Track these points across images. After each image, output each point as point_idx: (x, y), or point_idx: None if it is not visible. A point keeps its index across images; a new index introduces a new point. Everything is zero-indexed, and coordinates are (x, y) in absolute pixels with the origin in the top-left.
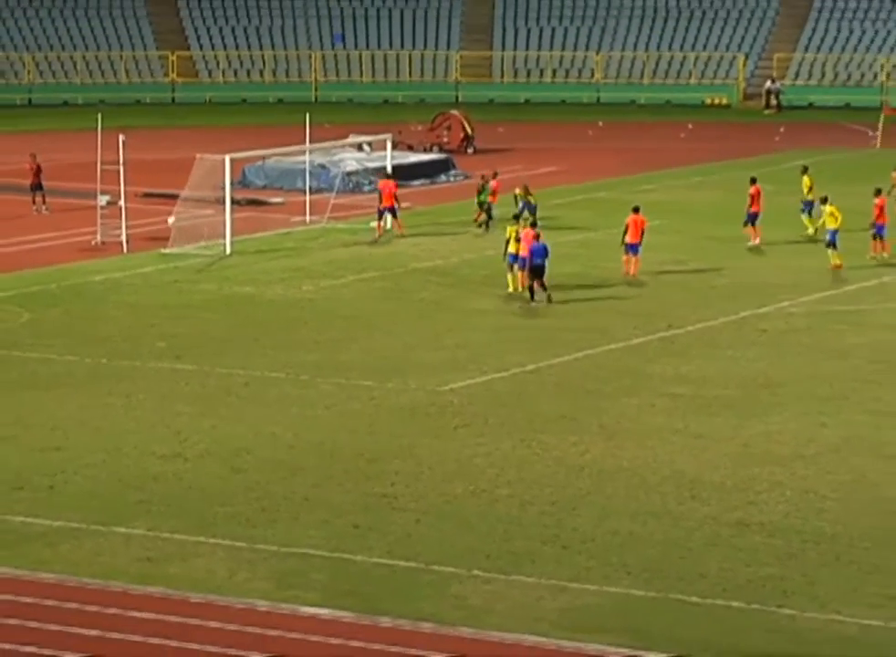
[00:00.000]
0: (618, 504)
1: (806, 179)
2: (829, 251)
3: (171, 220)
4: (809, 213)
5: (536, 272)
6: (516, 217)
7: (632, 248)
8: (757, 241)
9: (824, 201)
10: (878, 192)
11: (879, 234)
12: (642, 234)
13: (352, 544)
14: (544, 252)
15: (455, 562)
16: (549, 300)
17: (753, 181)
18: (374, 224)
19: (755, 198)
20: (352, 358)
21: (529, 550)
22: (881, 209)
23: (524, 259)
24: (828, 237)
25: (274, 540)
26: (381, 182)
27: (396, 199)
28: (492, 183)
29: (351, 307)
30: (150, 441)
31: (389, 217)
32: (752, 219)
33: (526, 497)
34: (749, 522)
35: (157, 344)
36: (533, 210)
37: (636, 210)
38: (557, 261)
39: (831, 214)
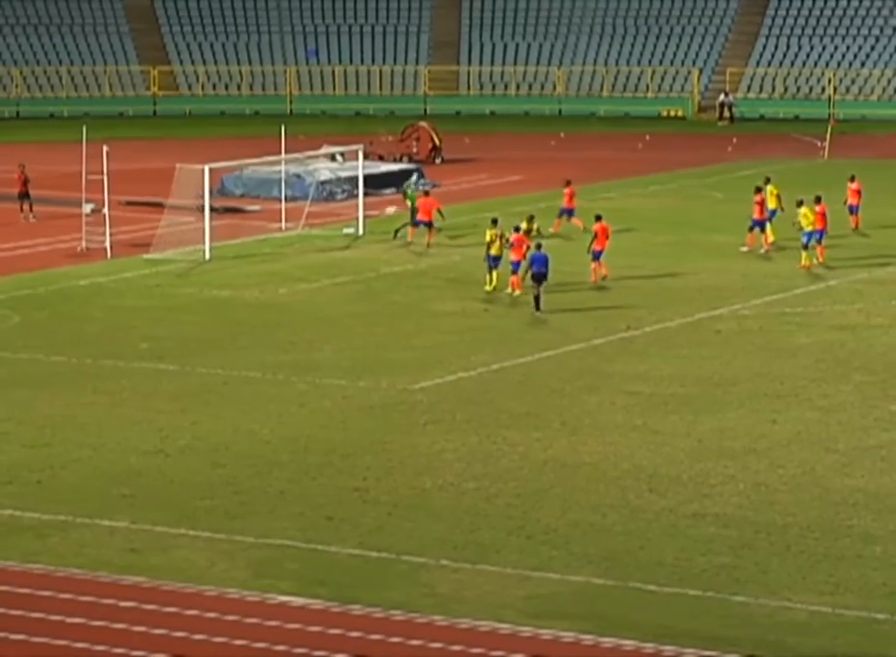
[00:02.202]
0: (579, 497)
1: (771, 188)
2: (803, 252)
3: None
4: (770, 222)
5: (538, 280)
6: (494, 222)
7: (598, 254)
8: (751, 247)
9: (799, 203)
10: (818, 200)
11: (818, 240)
12: (607, 239)
13: (326, 535)
14: (545, 261)
15: (425, 552)
16: (537, 308)
17: (758, 190)
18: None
19: (760, 205)
20: (326, 358)
21: (495, 541)
22: (822, 216)
23: (515, 263)
24: (803, 240)
25: (251, 532)
26: (421, 199)
27: (440, 214)
28: (565, 190)
29: (325, 310)
30: (133, 437)
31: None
32: (759, 225)
33: (491, 490)
34: (704, 513)
35: (140, 345)
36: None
37: (598, 218)
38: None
39: (804, 215)
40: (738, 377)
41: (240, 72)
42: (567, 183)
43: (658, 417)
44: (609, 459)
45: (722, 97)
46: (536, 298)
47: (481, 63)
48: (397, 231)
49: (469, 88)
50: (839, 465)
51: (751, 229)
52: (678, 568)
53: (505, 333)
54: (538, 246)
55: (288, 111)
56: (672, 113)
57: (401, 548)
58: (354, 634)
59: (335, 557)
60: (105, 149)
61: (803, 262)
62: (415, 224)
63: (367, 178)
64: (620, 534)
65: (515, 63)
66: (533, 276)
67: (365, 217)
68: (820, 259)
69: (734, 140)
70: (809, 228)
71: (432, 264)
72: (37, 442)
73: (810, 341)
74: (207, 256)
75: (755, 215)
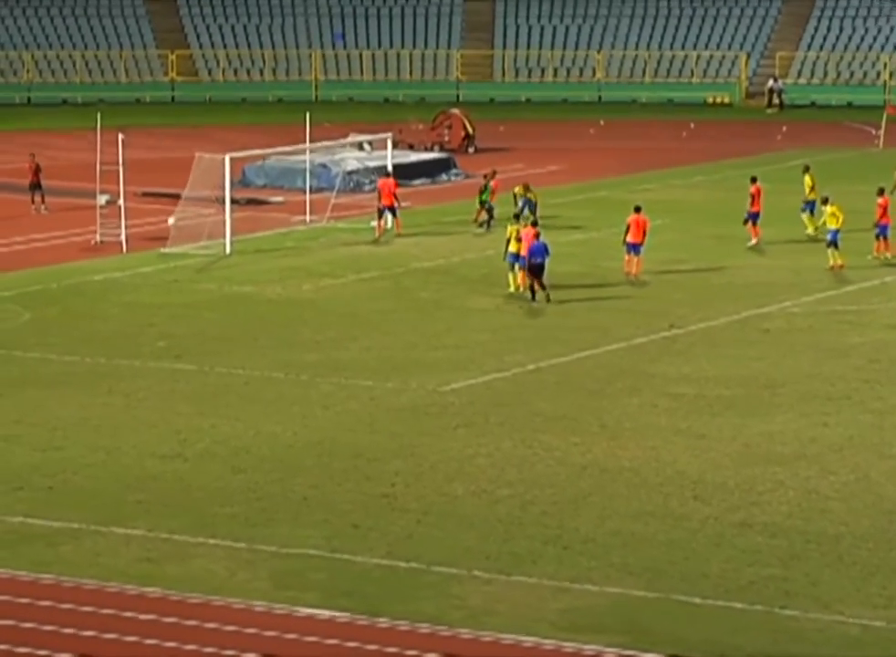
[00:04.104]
0: (619, 504)
1: (807, 178)
2: (829, 251)
3: (171, 220)
4: (811, 213)
5: (535, 271)
6: (517, 216)
7: (634, 248)
8: (755, 241)
9: (825, 201)
10: (881, 192)
11: (882, 235)
12: (644, 233)
13: (352, 544)
14: (543, 250)
15: (456, 563)
16: (548, 299)
17: (753, 180)
18: (374, 223)
19: (755, 197)
20: (352, 357)
21: (530, 551)
22: (885, 209)
23: (524, 258)
24: (828, 237)
25: (273, 540)
26: (381, 181)
27: (396, 198)
28: (491, 183)
29: (351, 307)
30: (149, 440)
31: (389, 216)
32: (753, 218)
33: (527, 497)
34: (752, 522)
35: (157, 343)
36: (533, 208)
37: (637, 209)
38: (558, 260)
39: (832, 215)
40: (787, 378)
41: (263, 56)
42: (493, 174)
43: (703, 420)
44: (650, 464)
45: (771, 82)
46: (531, 288)
47: (516, 47)
48: (484, 223)
49: (504, 73)
50: (894, 472)
51: (745, 222)
52: (724, 579)
53: (541, 331)
54: (536, 235)
55: (314, 98)
56: (719, 100)
57: (430, 558)
58: (371, 647)
59: (361, 568)
60: (120, 137)
61: (832, 262)
62: (380, 213)
63: (396, 168)
64: (663, 543)
65: (552, 47)
66: (530, 267)
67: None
68: (888, 253)
69: (784, 128)
70: (835, 226)
71: (464, 258)
72: (49, 445)
73: (864, 341)
74: (227, 251)
75: (750, 208)
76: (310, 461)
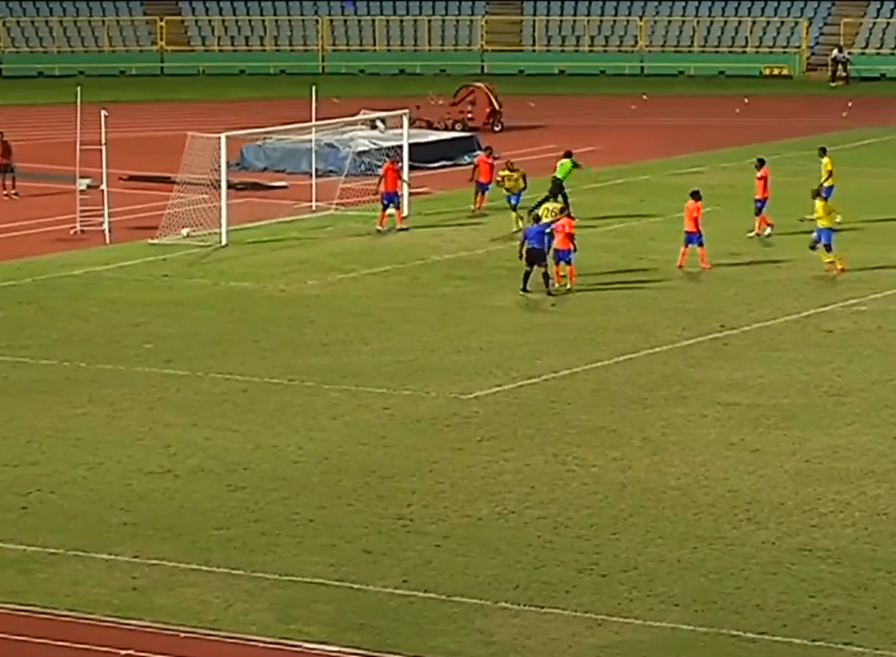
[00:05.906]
0: (664, 527)
1: (826, 161)
2: (816, 252)
3: (184, 231)
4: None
5: (533, 257)
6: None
7: (688, 237)
8: (766, 230)
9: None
10: None
11: None
12: (695, 222)
13: (363, 572)
14: (540, 235)
15: (480, 593)
16: (522, 291)
17: (761, 162)
18: (392, 210)
19: (763, 182)
20: (363, 361)
21: (564, 579)
22: None
23: (559, 251)
24: (814, 236)
25: (275, 568)
26: (387, 165)
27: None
28: (489, 160)
29: (362, 305)
30: (136, 455)
31: (403, 202)
32: (759, 206)
33: (560, 520)
34: (813, 547)
35: (144, 346)
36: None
37: (693, 195)
38: (594, 252)
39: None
40: (854, 385)
41: (263, 23)
42: (488, 151)
43: (757, 433)
44: (698, 483)
45: (835, 52)
46: (545, 278)
47: (548, 12)
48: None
49: (534, 41)
50: None
51: (757, 212)
52: (781, 612)
53: (576, 332)
54: (536, 219)
55: (320, 70)
56: (776, 72)
57: (451, 588)
58: None
59: (373, 598)
60: (103, 113)
61: (838, 266)
62: (385, 200)
63: (413, 148)
64: (713, 571)
65: (588, 12)
66: (527, 253)
67: (410, 195)
68: None
69: (850, 103)
70: (822, 224)
71: (489, 250)
72: (23, 460)
73: None
74: (223, 241)
75: (758, 195)
76: (316, 478)
